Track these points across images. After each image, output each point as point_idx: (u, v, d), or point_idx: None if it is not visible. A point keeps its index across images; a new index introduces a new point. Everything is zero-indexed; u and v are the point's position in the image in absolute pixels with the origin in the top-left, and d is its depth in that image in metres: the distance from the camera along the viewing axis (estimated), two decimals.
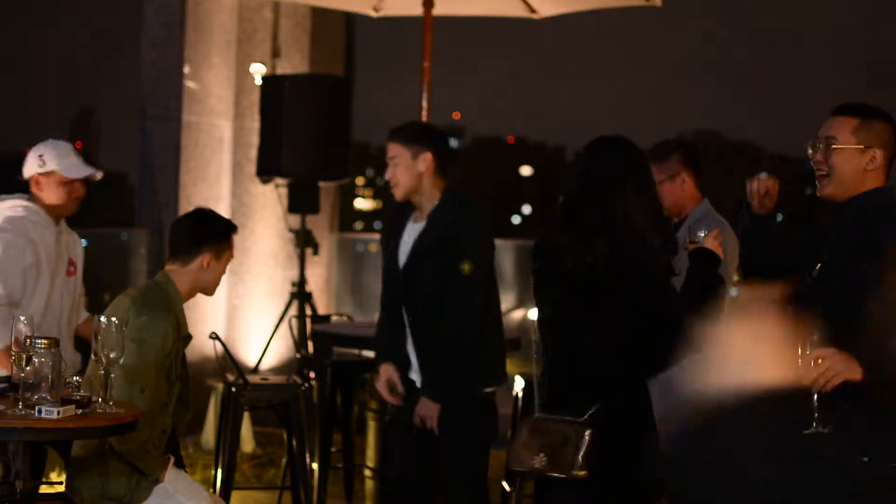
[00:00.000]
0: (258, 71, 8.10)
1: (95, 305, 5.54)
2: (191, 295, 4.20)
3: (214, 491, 5.06)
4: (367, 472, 5.88)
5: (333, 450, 5.96)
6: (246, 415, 6.23)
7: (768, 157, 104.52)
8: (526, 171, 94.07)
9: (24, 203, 4.71)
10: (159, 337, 3.94)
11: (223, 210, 7.97)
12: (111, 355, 3.64)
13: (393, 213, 4.76)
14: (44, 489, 5.12)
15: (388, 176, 4.58)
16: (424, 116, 6.50)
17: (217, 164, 8.04)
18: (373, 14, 7.17)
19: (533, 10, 6.94)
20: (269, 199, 8.11)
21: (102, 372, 3.67)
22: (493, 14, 7.33)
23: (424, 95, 6.53)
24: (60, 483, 5.36)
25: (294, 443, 5.32)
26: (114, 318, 3.68)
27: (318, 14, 8.34)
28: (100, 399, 3.63)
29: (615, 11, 7.12)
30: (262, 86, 7.54)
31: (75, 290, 4.82)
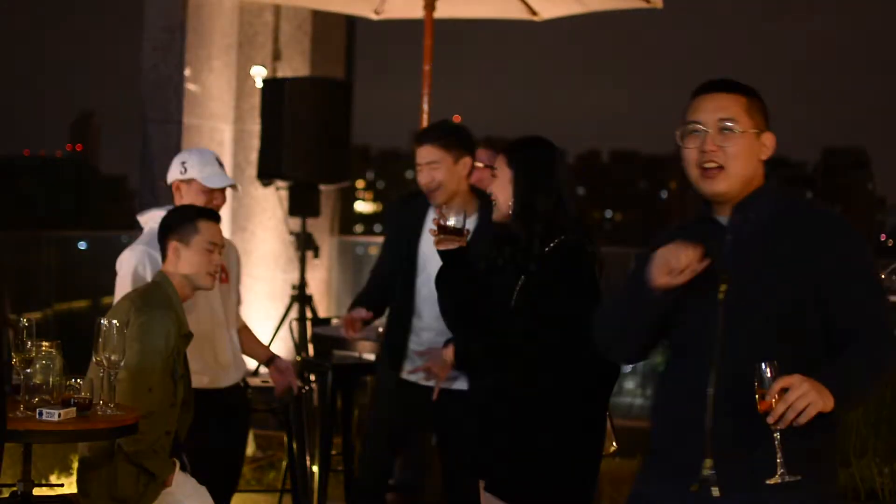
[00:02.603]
0: (259, 74, 8.10)
1: (96, 308, 5.54)
2: (187, 292, 4.17)
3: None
4: None
5: (334, 453, 5.96)
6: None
7: (769, 160, 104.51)
8: None
9: (157, 212, 4.69)
10: (162, 335, 3.94)
11: (224, 213, 7.96)
12: (112, 358, 3.64)
13: (402, 211, 4.72)
14: (44, 491, 5.12)
15: (425, 180, 4.47)
16: (425, 119, 6.51)
17: None
18: (373, 17, 7.18)
19: (534, 13, 6.94)
20: (269, 201, 8.12)
21: (103, 374, 3.67)
22: (493, 16, 7.34)
23: (425, 98, 6.54)
24: (61, 485, 5.37)
25: (294, 446, 5.32)
26: (114, 321, 3.68)
27: (319, 17, 8.34)
28: (101, 401, 3.63)
29: (616, 14, 7.13)
30: (263, 89, 7.55)
31: (230, 297, 4.80)
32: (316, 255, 7.73)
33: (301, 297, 7.42)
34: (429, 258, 4.50)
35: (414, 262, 4.60)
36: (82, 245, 10.88)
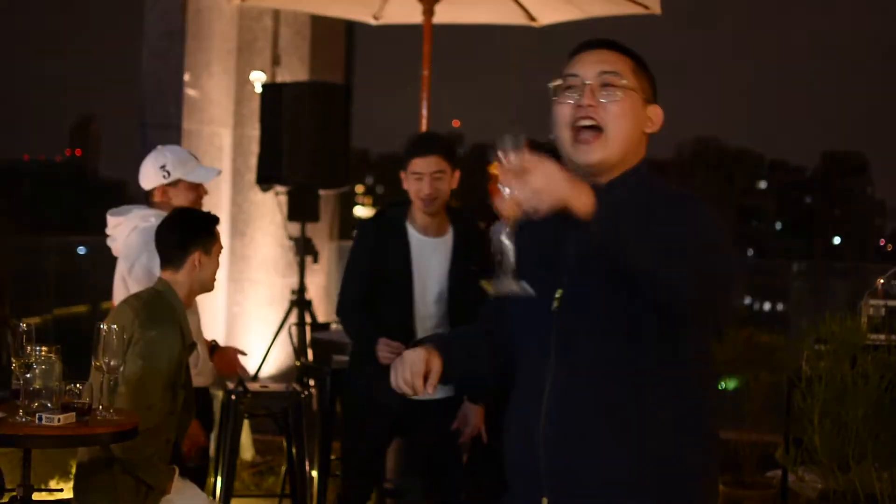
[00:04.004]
0: (258, 79, 8.11)
1: (96, 313, 5.54)
2: (191, 298, 4.19)
3: (214, 499, 5.06)
4: None
5: (333, 457, 5.95)
6: (245, 422, 6.23)
7: (768, 163, 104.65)
8: None
9: (154, 212, 4.68)
10: (165, 356, 3.93)
11: (223, 217, 7.98)
12: (112, 363, 3.64)
13: (382, 224, 4.69)
14: (43, 496, 5.11)
15: (428, 190, 4.45)
16: (424, 124, 6.52)
17: None
18: (372, 22, 7.19)
19: (533, 18, 6.96)
20: (268, 206, 8.12)
21: (103, 379, 3.67)
22: (492, 22, 7.35)
23: (424, 103, 6.55)
24: (60, 490, 5.37)
25: (293, 450, 5.32)
26: (114, 326, 3.68)
27: (318, 22, 8.36)
28: (100, 406, 3.64)
29: (615, 19, 7.14)
30: (262, 94, 7.55)
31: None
32: (315, 260, 7.73)
33: (300, 301, 7.42)
34: (422, 272, 4.53)
35: (410, 282, 4.54)
36: (82, 250, 10.89)
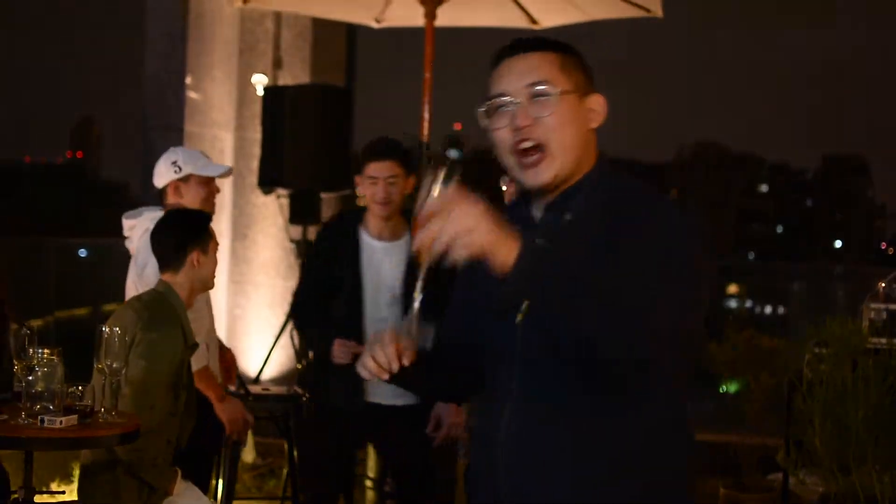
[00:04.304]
0: (260, 81, 8.12)
1: (97, 315, 5.54)
2: (192, 298, 4.20)
3: (216, 501, 5.06)
4: (368, 483, 5.88)
5: None
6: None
7: (769, 166, 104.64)
8: None
9: (155, 214, 4.68)
10: (167, 357, 3.94)
11: (224, 220, 7.99)
12: (114, 365, 3.65)
13: (336, 228, 4.69)
14: (45, 498, 5.12)
15: (383, 195, 4.47)
16: (426, 127, 6.52)
17: None
18: (374, 25, 7.20)
19: (534, 21, 6.97)
20: (270, 209, 8.13)
21: (105, 381, 3.68)
22: (494, 25, 7.35)
23: (426, 106, 6.55)
24: (63, 493, 5.37)
25: (295, 453, 5.33)
26: (116, 328, 3.69)
27: (320, 25, 8.36)
28: (103, 408, 3.64)
29: (616, 22, 7.15)
30: (264, 96, 7.56)
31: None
32: None
33: None
34: (374, 276, 4.54)
35: (359, 285, 4.54)
36: (83, 252, 10.90)
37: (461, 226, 1.95)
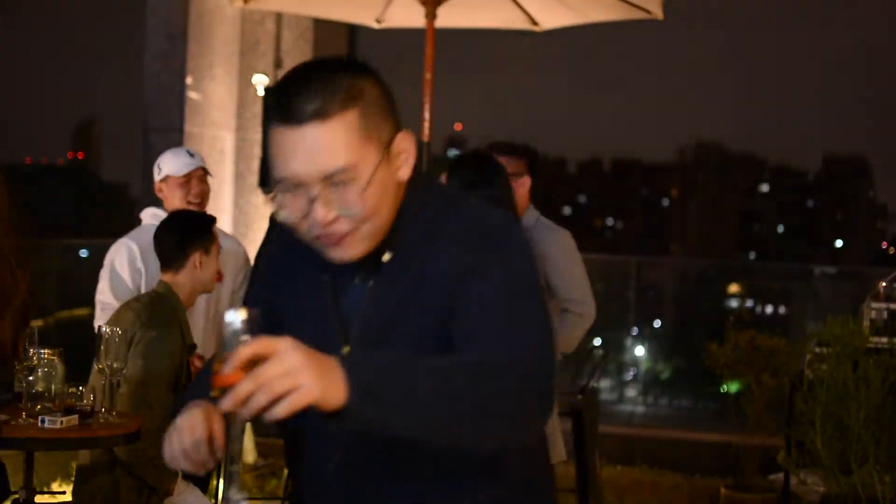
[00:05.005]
0: (260, 82, 8.12)
1: None
2: (192, 299, 4.20)
3: (216, 501, 5.06)
4: None
5: None
6: (248, 425, 6.22)
7: (770, 167, 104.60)
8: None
9: (156, 210, 4.75)
10: (166, 356, 3.94)
11: (226, 221, 7.98)
12: (114, 365, 3.65)
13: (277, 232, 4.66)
14: (46, 498, 5.12)
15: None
16: (426, 128, 6.52)
17: (219, 175, 8.06)
18: (375, 26, 7.20)
19: (535, 23, 6.96)
20: (270, 209, 8.13)
21: (105, 382, 3.68)
22: (495, 26, 7.35)
23: (426, 107, 6.55)
24: (63, 493, 5.37)
25: None
26: (116, 329, 3.69)
27: (321, 25, 8.37)
28: (103, 409, 3.64)
29: (617, 24, 7.14)
30: (265, 97, 7.56)
31: (223, 296, 4.82)
32: None
33: None
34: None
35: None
36: (84, 253, 10.89)
37: (279, 386, 1.55)
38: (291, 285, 1.96)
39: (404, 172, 1.86)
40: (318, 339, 1.71)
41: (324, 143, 1.77)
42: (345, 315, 1.91)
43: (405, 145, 1.86)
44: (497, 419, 1.71)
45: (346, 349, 1.88)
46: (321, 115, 1.77)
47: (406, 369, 1.65)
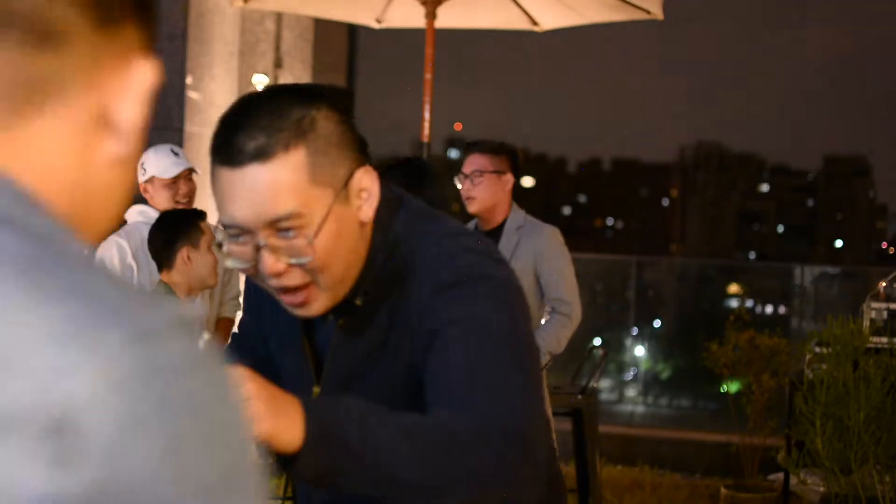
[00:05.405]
0: (261, 82, 8.12)
1: None
2: (192, 296, 4.20)
3: None
4: None
5: None
6: None
7: (770, 167, 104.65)
8: (528, 182, 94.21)
9: (143, 208, 4.71)
10: None
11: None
12: None
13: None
14: None
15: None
16: (426, 128, 6.52)
17: None
18: (375, 26, 7.20)
19: (535, 23, 6.97)
20: None
21: None
22: (495, 27, 7.36)
23: (426, 107, 6.55)
24: None
25: None
26: None
27: (321, 25, 8.37)
28: None
29: (617, 24, 7.15)
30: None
31: (212, 297, 4.82)
32: None
33: None
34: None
35: None
36: None
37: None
38: (274, 318, 1.84)
39: (366, 213, 1.66)
40: (296, 378, 1.65)
41: (266, 186, 1.57)
42: (319, 353, 1.81)
43: (366, 183, 1.65)
44: (454, 486, 1.56)
45: (316, 389, 1.78)
46: (262, 155, 1.56)
47: (367, 420, 1.51)
